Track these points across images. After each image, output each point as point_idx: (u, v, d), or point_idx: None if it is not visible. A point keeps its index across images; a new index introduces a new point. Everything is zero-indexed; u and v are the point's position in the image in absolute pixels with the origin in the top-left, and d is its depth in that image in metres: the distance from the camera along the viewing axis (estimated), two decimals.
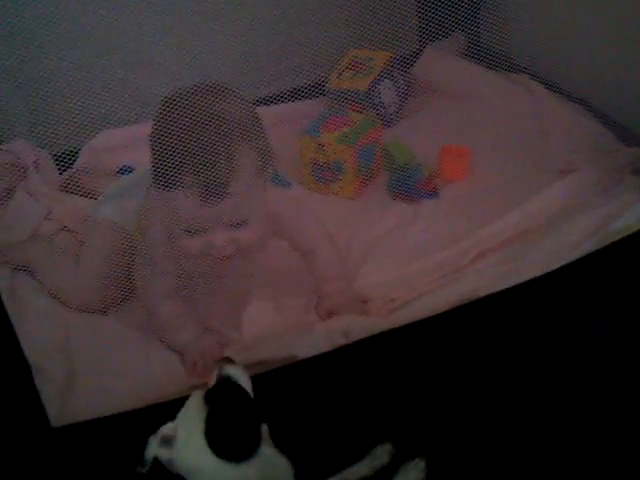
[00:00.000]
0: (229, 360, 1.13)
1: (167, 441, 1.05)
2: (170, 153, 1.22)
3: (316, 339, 1.37)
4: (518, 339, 1.41)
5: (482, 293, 1.43)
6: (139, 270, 1.41)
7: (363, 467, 1.23)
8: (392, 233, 1.62)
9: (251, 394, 1.10)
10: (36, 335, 1.39)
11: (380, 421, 1.30)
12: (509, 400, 1.32)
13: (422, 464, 1.23)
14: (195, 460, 1.03)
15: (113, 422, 1.24)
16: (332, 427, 1.28)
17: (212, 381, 1.09)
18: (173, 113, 1.23)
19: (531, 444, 1.25)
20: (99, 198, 1.63)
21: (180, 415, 1.07)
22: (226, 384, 1.08)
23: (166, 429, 1.06)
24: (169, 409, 1.17)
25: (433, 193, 1.71)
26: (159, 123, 1.26)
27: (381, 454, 1.25)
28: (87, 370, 1.36)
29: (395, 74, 1.96)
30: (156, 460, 1.05)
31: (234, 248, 1.31)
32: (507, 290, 1.43)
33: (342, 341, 1.37)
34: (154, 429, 1.08)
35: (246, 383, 1.10)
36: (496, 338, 1.40)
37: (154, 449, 1.05)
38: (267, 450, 1.06)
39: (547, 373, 1.36)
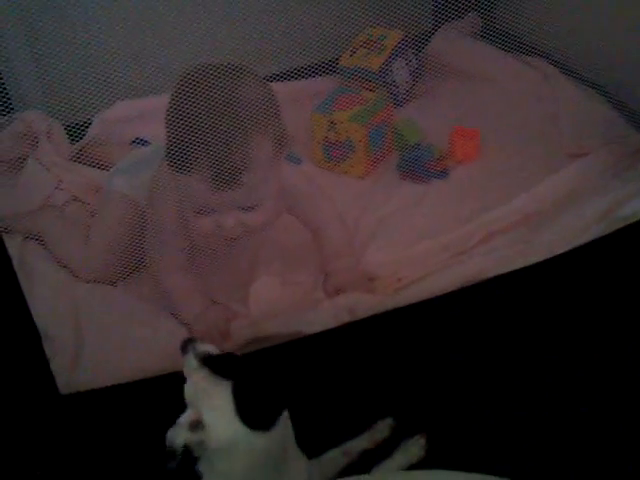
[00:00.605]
0: (190, 340, 1.14)
1: (195, 426, 1.05)
2: (185, 137, 1.21)
3: (322, 315, 1.38)
4: (522, 321, 1.42)
5: (488, 275, 1.43)
6: (150, 243, 1.42)
7: (364, 441, 1.25)
8: (400, 213, 1.62)
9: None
10: (46, 303, 1.40)
11: (382, 397, 1.32)
12: (510, 380, 1.34)
13: (422, 441, 1.25)
14: (227, 435, 1.04)
15: (121, 391, 1.26)
16: (335, 401, 1.30)
17: (193, 363, 1.10)
18: (190, 95, 1.22)
19: (531, 423, 1.26)
20: (111, 170, 1.63)
21: (194, 401, 1.07)
22: (231, 357, 1.10)
23: (188, 417, 1.06)
24: (175, 381, 1.19)
25: (443, 174, 1.72)
26: (175, 103, 1.25)
27: (382, 428, 1.27)
28: (95, 340, 1.38)
29: (408, 53, 1.96)
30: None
31: (243, 229, 1.32)
32: (513, 272, 1.44)
33: (348, 318, 1.38)
34: (160, 400, 1.09)
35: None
36: (500, 320, 1.42)
37: (184, 437, 1.05)
38: (283, 418, 1.08)
39: (550, 355, 1.38)
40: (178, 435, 1.05)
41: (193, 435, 1.05)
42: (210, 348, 1.13)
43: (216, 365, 1.09)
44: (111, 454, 1.23)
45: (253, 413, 1.05)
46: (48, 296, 1.43)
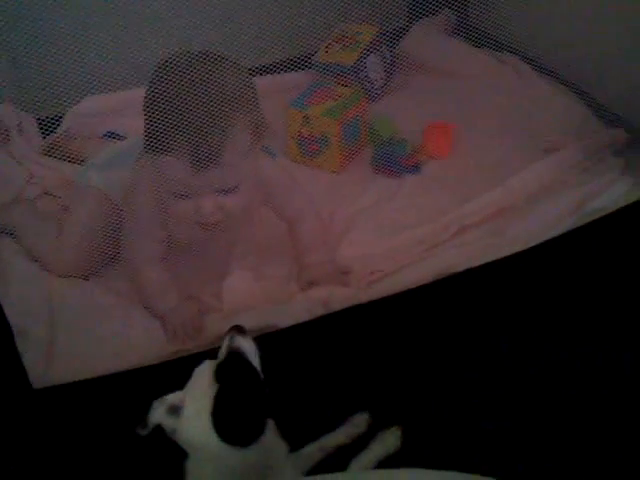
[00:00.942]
0: (240, 329, 1.10)
1: (174, 410, 1.03)
2: (163, 117, 1.21)
3: (296, 309, 1.38)
4: (496, 313, 1.43)
5: (461, 268, 1.45)
6: (126, 236, 1.41)
7: (340, 435, 1.25)
8: (374, 207, 1.63)
9: (259, 371, 1.07)
10: (19, 298, 1.39)
11: (358, 391, 1.32)
12: (485, 371, 1.35)
13: (398, 432, 1.25)
14: (199, 437, 1.02)
15: (94, 385, 1.25)
16: (310, 395, 1.29)
17: (223, 350, 1.07)
18: (169, 76, 1.22)
19: (506, 414, 1.27)
20: (85, 164, 1.62)
21: (189, 385, 1.05)
22: (237, 360, 1.06)
23: (174, 397, 1.04)
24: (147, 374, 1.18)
25: (415, 168, 1.72)
26: (154, 86, 1.25)
27: (359, 423, 1.27)
28: (69, 334, 1.37)
29: (382, 49, 1.96)
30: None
31: (222, 214, 1.32)
32: (486, 265, 1.45)
33: (322, 311, 1.38)
34: (133, 393, 1.09)
35: (255, 356, 1.08)
36: (474, 312, 1.43)
37: (160, 416, 1.03)
38: (269, 436, 1.05)
39: (524, 347, 1.39)
40: (156, 411, 1.04)
41: (168, 418, 1.03)
42: (245, 344, 1.09)
43: (224, 365, 1.06)
44: (84, 448, 1.22)
45: (229, 429, 1.01)
46: (21, 291, 1.42)
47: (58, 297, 1.44)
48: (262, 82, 1.79)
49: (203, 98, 1.21)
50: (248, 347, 1.08)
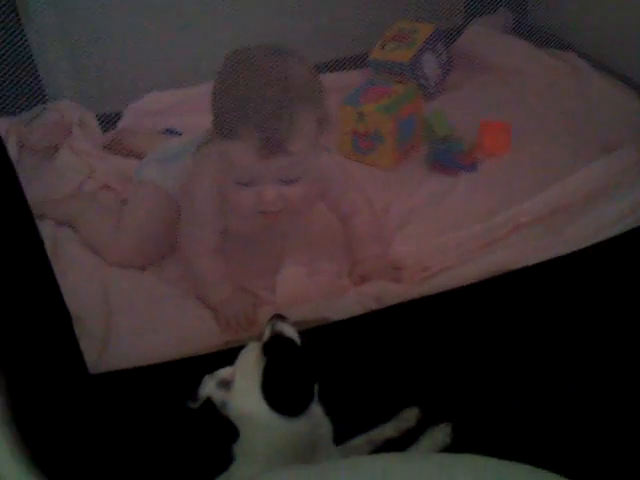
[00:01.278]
0: (281, 317, 1.14)
1: (224, 384, 1.07)
2: (234, 103, 1.24)
3: (348, 303, 1.38)
4: (548, 312, 1.41)
5: (515, 266, 1.43)
6: (182, 227, 1.44)
7: (389, 428, 1.26)
8: (429, 204, 1.63)
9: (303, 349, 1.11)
10: (77, 286, 1.42)
11: (408, 385, 1.32)
12: (536, 370, 1.33)
13: (448, 429, 1.25)
14: (249, 409, 1.05)
15: (148, 373, 1.27)
16: (361, 388, 1.30)
17: (266, 334, 1.11)
18: (241, 65, 1.26)
19: (559, 413, 1.26)
20: (143, 160, 1.65)
21: (238, 362, 1.09)
22: (282, 339, 1.10)
23: (224, 372, 1.08)
24: (202, 363, 1.20)
25: (471, 167, 1.72)
26: (224, 74, 1.28)
27: (408, 417, 1.27)
28: (124, 321, 1.39)
29: (438, 47, 1.96)
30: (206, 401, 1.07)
31: (283, 204, 1.33)
32: (540, 264, 1.44)
33: (374, 306, 1.38)
34: (187, 381, 1.10)
35: (297, 340, 1.11)
36: (526, 310, 1.41)
37: (210, 389, 1.07)
38: (316, 408, 1.08)
39: (573, 347, 1.37)
40: (207, 384, 1.07)
41: (219, 392, 1.06)
42: (290, 332, 1.11)
43: (270, 343, 1.09)
44: (137, 434, 1.25)
45: (279, 398, 1.04)
46: (79, 279, 1.45)
47: (114, 286, 1.47)
48: None
49: (272, 88, 1.23)
50: (290, 331, 1.11)
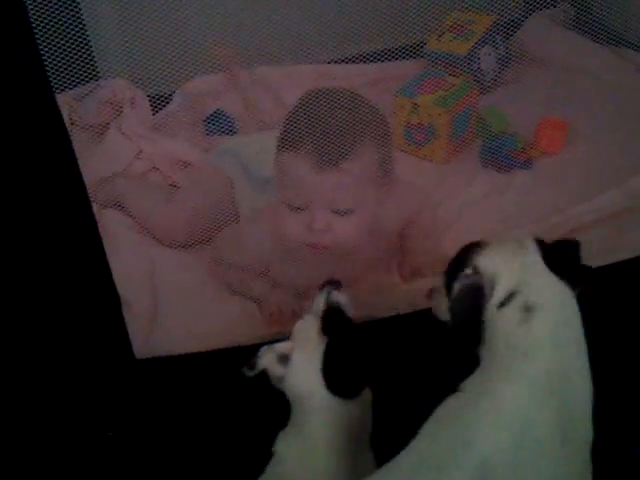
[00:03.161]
0: (335, 284, 1.12)
1: (283, 359, 1.05)
2: (301, 120, 1.24)
3: (398, 299, 1.36)
4: (605, 318, 1.37)
5: None
6: (240, 241, 1.42)
7: None
8: (482, 200, 1.60)
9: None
10: (124, 269, 1.41)
11: (453, 385, 1.29)
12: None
13: None
14: (306, 387, 1.04)
15: (194, 359, 1.26)
16: (410, 386, 1.28)
17: (321, 305, 1.09)
18: (316, 94, 1.26)
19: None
20: (219, 146, 1.65)
21: (295, 336, 1.08)
22: (339, 315, 1.08)
23: (283, 346, 1.06)
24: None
25: (526, 164, 1.68)
26: (298, 103, 1.27)
27: None
28: (170, 308, 1.39)
29: (496, 40, 1.92)
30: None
31: (332, 239, 1.29)
32: (598, 269, 1.40)
33: (424, 304, 1.35)
34: (232, 371, 1.09)
35: (350, 310, 1.11)
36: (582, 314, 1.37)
37: (268, 361, 1.06)
38: (367, 392, 1.07)
39: (630, 357, 1.33)
40: (265, 356, 1.06)
41: (276, 366, 1.05)
42: (343, 300, 1.10)
43: (328, 320, 1.08)
44: (182, 420, 1.24)
45: (339, 381, 1.03)
46: (126, 263, 1.43)
47: (161, 271, 1.46)
48: (372, 69, 1.81)
49: (340, 112, 1.23)
50: (346, 302, 1.10)
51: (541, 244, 1.01)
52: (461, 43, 1.88)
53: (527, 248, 0.99)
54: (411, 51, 1.81)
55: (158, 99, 1.81)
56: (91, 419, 1.19)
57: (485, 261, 0.98)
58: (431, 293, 1.12)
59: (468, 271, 0.98)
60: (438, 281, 1.07)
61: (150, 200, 1.57)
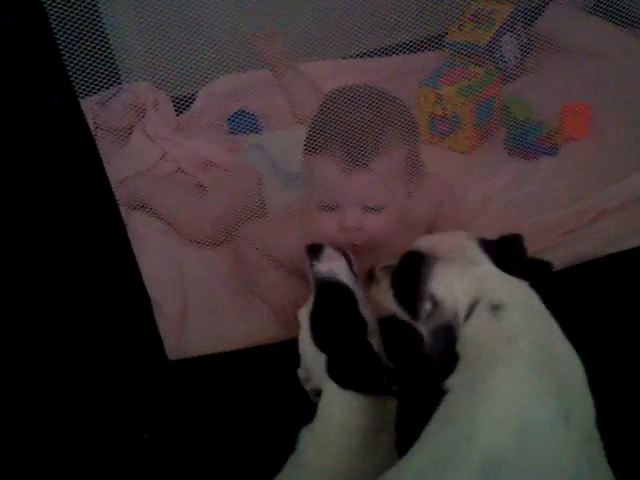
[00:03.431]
0: (316, 248, 1.14)
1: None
2: (327, 122, 1.24)
3: None
4: (604, 317, 1.36)
5: (600, 254, 1.39)
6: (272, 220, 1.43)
7: None
8: (509, 188, 1.59)
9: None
10: (153, 271, 1.42)
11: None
12: (617, 366, 1.29)
13: None
14: (317, 380, 1.07)
15: (228, 359, 1.27)
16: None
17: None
18: (340, 94, 1.27)
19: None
20: (244, 146, 1.66)
21: (302, 327, 1.09)
22: (327, 291, 1.10)
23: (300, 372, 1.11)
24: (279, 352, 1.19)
25: (552, 150, 1.67)
26: (323, 104, 1.28)
27: None
28: (199, 308, 1.40)
29: (517, 28, 1.90)
30: None
31: (364, 236, 1.28)
32: (626, 252, 1.39)
33: None
34: (263, 370, 1.10)
35: (347, 276, 1.11)
36: (610, 299, 1.37)
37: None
38: (389, 398, 1.07)
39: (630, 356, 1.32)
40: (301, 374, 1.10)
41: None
42: (329, 266, 1.11)
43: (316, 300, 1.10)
44: (214, 421, 1.25)
45: (341, 370, 1.04)
46: (155, 264, 1.45)
47: (189, 272, 1.47)
48: (394, 61, 1.81)
49: (365, 112, 1.23)
50: (333, 266, 1.12)
51: (487, 246, 1.01)
52: (482, 33, 1.87)
53: (475, 260, 0.99)
54: (432, 43, 1.80)
55: (181, 100, 1.82)
56: (127, 422, 1.20)
57: (440, 289, 0.97)
58: (369, 277, 1.12)
59: (427, 306, 0.97)
60: (381, 275, 1.08)
61: (177, 198, 1.58)
